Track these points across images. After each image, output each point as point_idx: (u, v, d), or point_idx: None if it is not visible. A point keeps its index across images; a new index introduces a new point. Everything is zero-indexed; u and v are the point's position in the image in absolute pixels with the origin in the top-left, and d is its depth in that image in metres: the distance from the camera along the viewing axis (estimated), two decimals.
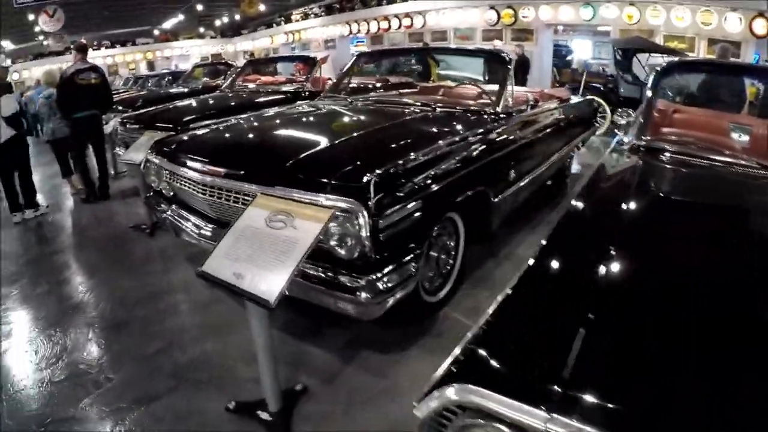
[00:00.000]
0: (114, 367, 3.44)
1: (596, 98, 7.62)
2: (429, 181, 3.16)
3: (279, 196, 2.78)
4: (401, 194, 2.93)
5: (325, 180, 2.85)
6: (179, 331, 3.83)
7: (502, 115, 4.32)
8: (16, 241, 6.26)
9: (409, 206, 2.95)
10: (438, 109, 4.47)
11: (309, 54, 12.86)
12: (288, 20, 29.08)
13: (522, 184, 4.54)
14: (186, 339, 3.71)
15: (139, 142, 5.42)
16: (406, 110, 4.51)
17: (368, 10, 22.84)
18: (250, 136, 4.29)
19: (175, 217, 3.90)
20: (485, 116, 4.30)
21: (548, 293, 1.72)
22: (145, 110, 7.46)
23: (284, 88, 7.74)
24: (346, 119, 4.51)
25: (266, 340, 2.59)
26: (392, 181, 2.93)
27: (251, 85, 8.60)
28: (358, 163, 3.05)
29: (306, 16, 27.22)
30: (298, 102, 6.63)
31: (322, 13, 25.78)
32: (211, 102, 7.38)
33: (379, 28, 22.37)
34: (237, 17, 30.30)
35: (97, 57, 30.13)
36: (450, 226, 3.76)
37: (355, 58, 5.87)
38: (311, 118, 4.69)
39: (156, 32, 34.51)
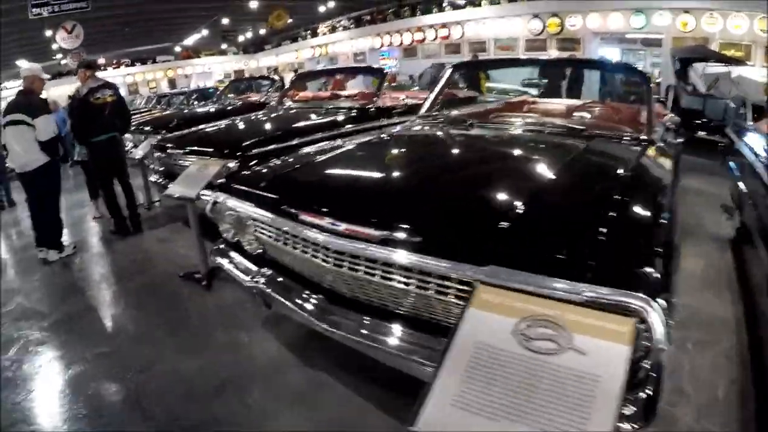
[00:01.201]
0: None
1: None
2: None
3: (517, 290, 1.71)
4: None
5: (589, 261, 1.79)
6: None
7: (660, 144, 3.55)
8: (37, 291, 5.28)
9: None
10: (593, 137, 3.47)
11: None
12: (314, 34, 28.40)
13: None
14: None
15: (189, 173, 4.52)
16: (565, 139, 3.57)
17: (401, 22, 22.20)
18: (395, 175, 3.16)
19: (273, 289, 2.86)
20: (645, 144, 3.39)
21: None
22: (185, 131, 6.66)
23: (346, 105, 6.79)
24: (506, 152, 3.46)
25: None
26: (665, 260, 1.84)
27: (304, 102, 7.67)
28: (604, 229, 1.96)
29: (334, 29, 26.50)
30: (384, 121, 6.20)
31: (351, 26, 25.05)
32: (268, 122, 6.51)
33: (413, 40, 21.60)
34: (262, 32, 29.57)
35: (117, 75, 29.85)
36: None
37: (450, 70, 5.10)
38: (456, 150, 3.77)
39: (177, 49, 33.92)
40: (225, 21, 23.67)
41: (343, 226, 2.33)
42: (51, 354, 3.92)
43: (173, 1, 19.31)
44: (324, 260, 2.44)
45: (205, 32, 26.44)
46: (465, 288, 1.95)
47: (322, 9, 23.78)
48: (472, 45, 20.04)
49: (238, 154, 5.00)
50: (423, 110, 4.67)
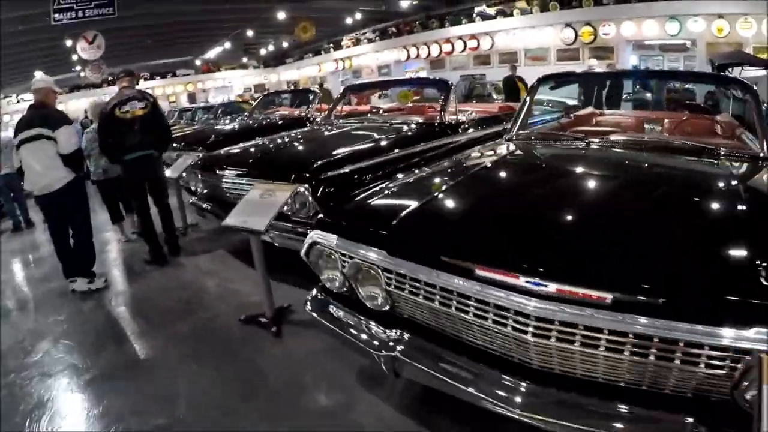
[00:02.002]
0: None
1: None
2: None
3: None
4: None
5: None
6: None
7: None
8: (67, 335, 4.56)
9: None
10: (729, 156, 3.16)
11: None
12: (337, 47, 28.18)
13: None
14: None
15: (251, 200, 4.14)
16: (717, 161, 3.25)
17: (428, 33, 21.97)
18: (582, 214, 2.47)
19: (426, 363, 2.29)
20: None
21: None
22: (232, 149, 6.10)
23: (409, 120, 6.38)
24: (683, 182, 3.06)
25: None
26: None
27: (357, 117, 7.29)
28: None
29: (358, 42, 26.25)
30: (459, 138, 5.94)
31: (376, 38, 24.77)
32: (328, 140, 5.95)
33: (441, 52, 21.34)
34: (285, 45, 29.45)
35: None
36: None
37: (537, 83, 4.81)
38: (625, 180, 3.07)
39: (198, 63, 33.86)
40: (249, 33, 23.43)
41: (552, 287, 1.88)
42: (93, 426, 3.22)
43: (200, 12, 19.06)
44: (518, 329, 1.97)
45: (227, 45, 26.38)
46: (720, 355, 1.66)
47: (348, 21, 23.57)
48: (501, 56, 19.80)
49: (306, 177, 4.52)
50: (515, 127, 4.34)
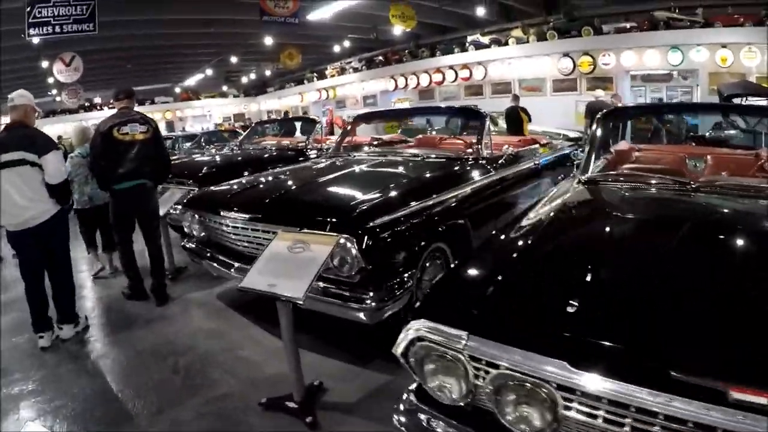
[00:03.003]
0: None
1: None
2: None
3: None
4: None
5: None
6: None
7: None
8: (35, 414, 3.55)
9: None
10: None
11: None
12: (321, 76, 27.46)
13: None
14: None
15: (277, 256, 3.20)
16: None
17: (418, 63, 21.32)
18: None
19: None
20: None
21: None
22: (235, 186, 5.04)
23: (441, 154, 5.52)
24: None
25: None
26: None
27: (371, 148, 6.40)
28: None
29: (343, 71, 25.53)
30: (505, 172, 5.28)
31: (363, 67, 24.06)
32: (354, 177, 4.95)
33: (431, 81, 20.67)
34: (268, 72, 28.66)
35: None
36: None
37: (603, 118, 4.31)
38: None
39: (177, 90, 32.94)
40: (233, 59, 22.54)
41: None
42: None
43: (184, 36, 18.15)
44: None
45: (209, 72, 25.42)
46: None
47: (336, 48, 22.85)
48: (495, 86, 19.23)
49: (350, 226, 3.53)
50: (588, 167, 3.77)
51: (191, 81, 30.23)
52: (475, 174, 4.99)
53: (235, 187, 5.01)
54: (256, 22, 16.19)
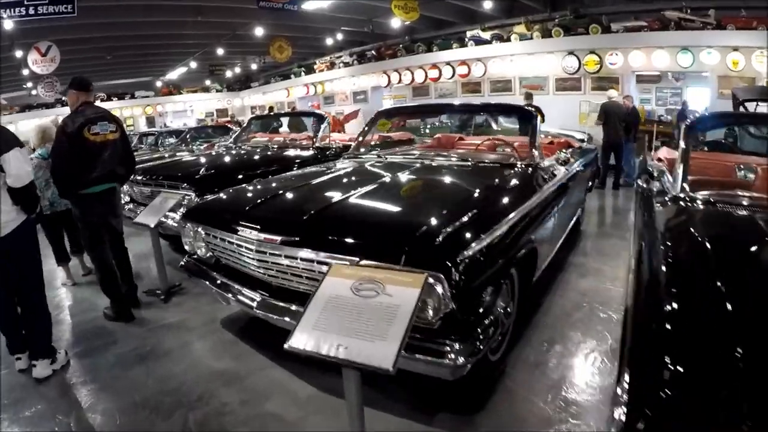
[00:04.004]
0: None
1: None
2: None
3: None
4: None
5: None
6: None
7: None
8: None
9: None
10: None
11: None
12: (309, 71, 26.47)
13: None
14: None
15: (334, 297, 2.43)
16: None
17: (412, 58, 20.39)
18: None
19: None
20: None
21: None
22: (258, 194, 4.11)
23: (487, 157, 4.69)
24: None
25: None
26: None
27: (400, 148, 5.57)
28: None
29: (332, 66, 24.57)
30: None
31: (354, 62, 23.11)
32: (425, 189, 4.12)
33: (426, 78, 19.80)
34: (254, 66, 27.62)
35: None
36: None
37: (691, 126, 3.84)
38: None
39: (159, 84, 31.72)
40: (220, 51, 21.43)
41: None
42: None
43: (170, 25, 17.12)
44: None
45: (193, 65, 24.26)
46: None
47: (329, 42, 21.91)
48: (494, 84, 18.39)
49: (437, 259, 2.67)
50: (684, 185, 3.30)
51: (173, 75, 28.95)
52: (537, 183, 4.19)
53: (250, 195, 4.14)
54: (248, 11, 15.32)
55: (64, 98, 25.09)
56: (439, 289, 2.57)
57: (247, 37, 18.83)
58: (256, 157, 6.86)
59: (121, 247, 5.06)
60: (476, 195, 3.70)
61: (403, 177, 4.22)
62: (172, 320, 4.79)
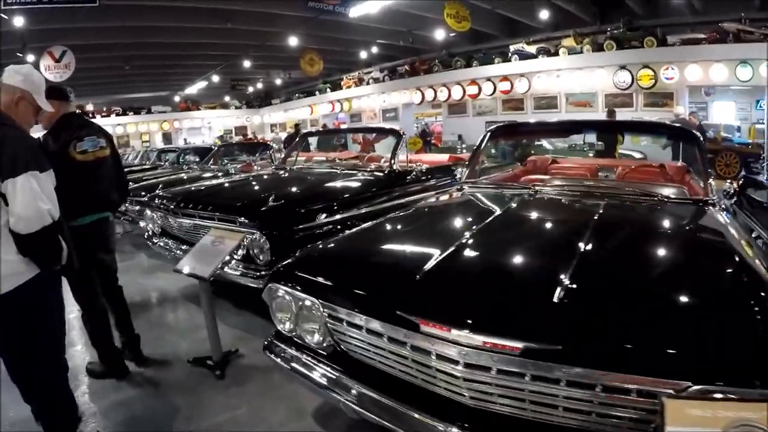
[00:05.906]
0: None
1: None
2: None
3: None
4: None
5: None
6: None
7: None
8: None
9: None
10: None
11: None
12: (335, 87, 25.78)
13: None
14: None
15: None
16: None
17: (447, 74, 19.76)
18: None
19: None
20: None
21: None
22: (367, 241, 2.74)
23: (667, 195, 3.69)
24: None
25: None
26: None
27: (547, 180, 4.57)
28: None
29: (361, 81, 23.89)
30: None
31: (385, 78, 22.38)
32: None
33: (464, 94, 19.04)
34: (278, 81, 27.01)
35: (107, 125, 26.54)
36: None
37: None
38: None
39: (177, 99, 31.17)
40: (246, 64, 20.72)
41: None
42: None
43: (196, 32, 16.51)
44: None
45: (215, 79, 23.63)
46: None
47: (363, 55, 21.22)
48: (538, 100, 17.65)
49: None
50: None
51: (193, 89, 28.42)
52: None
53: (411, 251, 2.83)
54: (283, 18, 14.61)
55: (78, 111, 24.19)
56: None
57: (277, 48, 18.22)
58: (329, 183, 5.61)
59: (115, 286, 4.08)
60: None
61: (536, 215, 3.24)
62: (238, 412, 3.28)
